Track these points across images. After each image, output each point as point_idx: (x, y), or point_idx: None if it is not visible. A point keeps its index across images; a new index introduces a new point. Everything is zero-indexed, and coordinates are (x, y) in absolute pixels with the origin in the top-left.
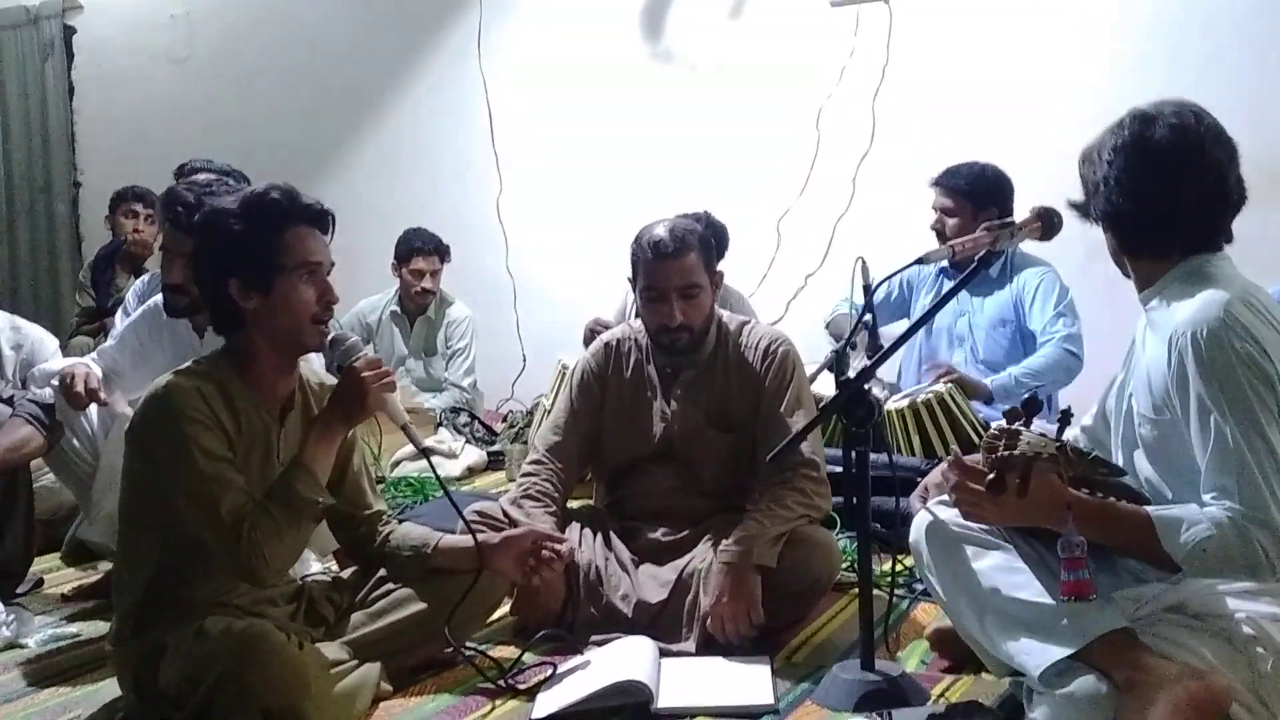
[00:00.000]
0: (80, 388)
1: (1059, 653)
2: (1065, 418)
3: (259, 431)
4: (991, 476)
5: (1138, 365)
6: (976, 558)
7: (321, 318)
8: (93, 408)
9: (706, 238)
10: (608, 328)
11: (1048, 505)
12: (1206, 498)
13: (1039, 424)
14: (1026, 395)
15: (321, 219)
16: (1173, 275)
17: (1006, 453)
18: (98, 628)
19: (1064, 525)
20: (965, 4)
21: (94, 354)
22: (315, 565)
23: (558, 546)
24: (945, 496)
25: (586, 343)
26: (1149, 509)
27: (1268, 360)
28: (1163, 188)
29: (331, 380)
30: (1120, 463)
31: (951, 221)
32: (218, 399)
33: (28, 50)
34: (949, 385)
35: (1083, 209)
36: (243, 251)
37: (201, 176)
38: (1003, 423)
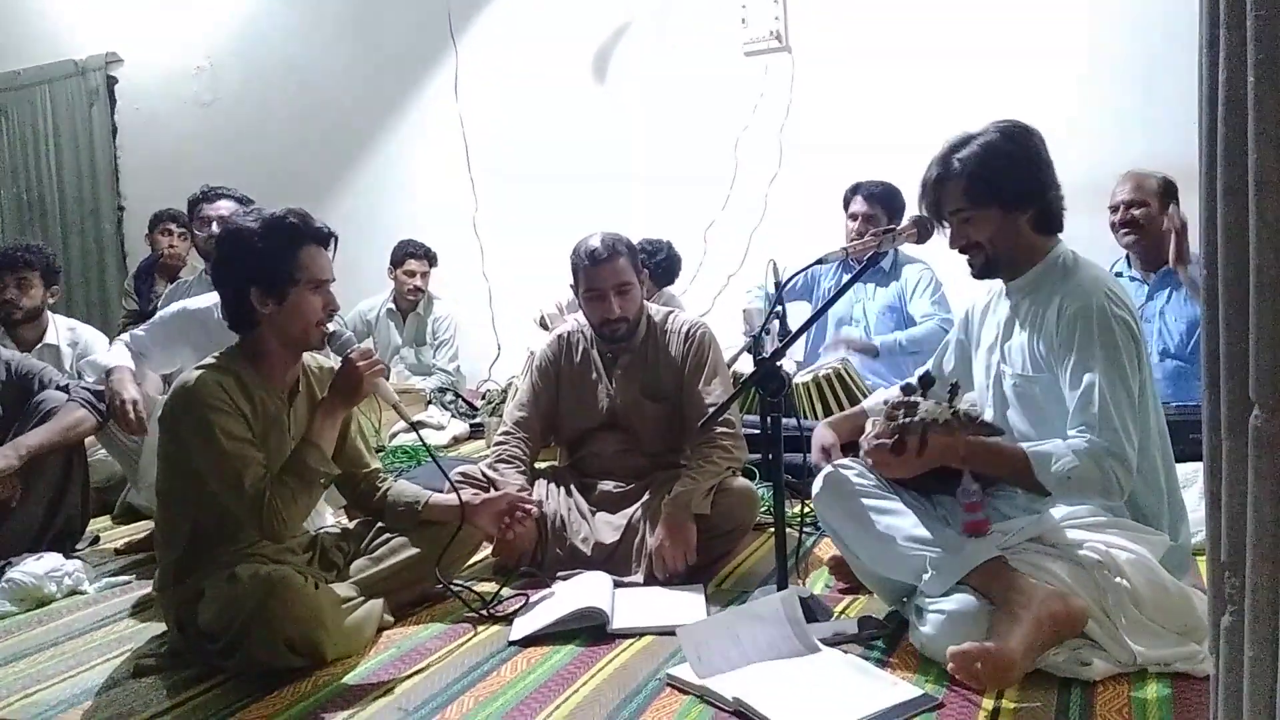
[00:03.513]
0: (131, 416)
1: (947, 583)
2: (955, 389)
3: (272, 414)
4: (893, 441)
5: (1010, 339)
6: (874, 510)
7: (325, 323)
8: (131, 383)
9: (631, 243)
10: (551, 316)
11: (945, 457)
12: (1071, 432)
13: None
14: (921, 373)
15: (328, 240)
16: (1046, 261)
17: (907, 419)
18: (146, 576)
19: (956, 465)
20: (853, 54)
21: (127, 336)
22: (329, 518)
23: (528, 507)
24: (845, 459)
25: (542, 325)
26: (1024, 445)
27: (1133, 319)
28: (1050, 172)
29: (329, 363)
30: (991, 418)
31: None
32: (235, 388)
33: (77, 97)
34: (844, 361)
35: (1009, 199)
36: (263, 265)
37: (227, 203)
38: (899, 395)
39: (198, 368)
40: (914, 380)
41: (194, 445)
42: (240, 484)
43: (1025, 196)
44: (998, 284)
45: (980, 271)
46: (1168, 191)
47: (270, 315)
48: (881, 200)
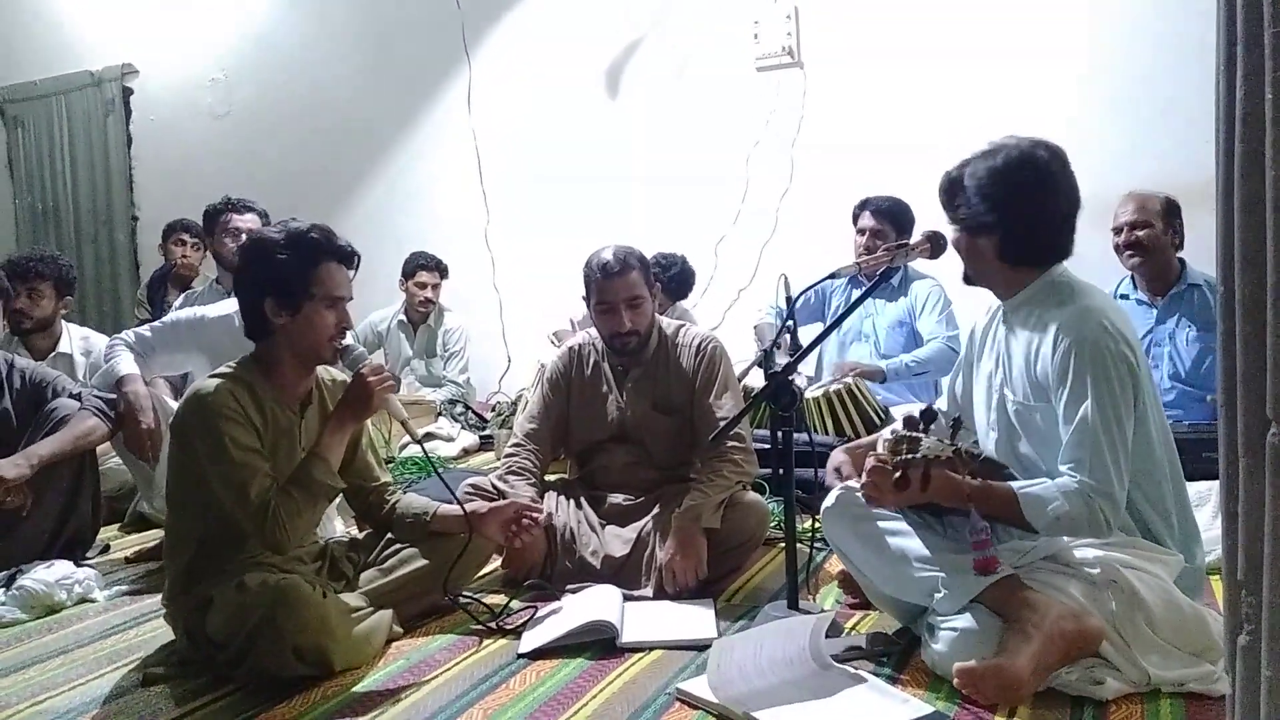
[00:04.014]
0: (146, 446)
1: (960, 601)
2: (957, 424)
3: (283, 425)
4: (897, 476)
5: (1010, 364)
6: (886, 531)
7: (337, 339)
8: (148, 403)
9: (643, 257)
10: (563, 334)
11: (946, 493)
12: (1062, 468)
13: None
14: (924, 409)
15: (350, 258)
16: (1039, 284)
17: (909, 455)
18: (155, 585)
19: (959, 504)
20: (864, 69)
21: (130, 335)
22: (339, 527)
23: (535, 515)
24: (852, 482)
25: (552, 343)
26: (1015, 487)
27: (1132, 352)
28: (1046, 202)
29: (343, 376)
30: (994, 445)
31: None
32: (247, 398)
33: (92, 107)
34: (854, 377)
35: (968, 222)
36: (281, 277)
37: (253, 215)
38: (903, 429)
39: (212, 376)
40: (917, 414)
41: (203, 453)
42: (246, 494)
43: (987, 220)
44: (997, 303)
45: (964, 278)
46: (1171, 211)
47: (283, 327)
48: (890, 216)
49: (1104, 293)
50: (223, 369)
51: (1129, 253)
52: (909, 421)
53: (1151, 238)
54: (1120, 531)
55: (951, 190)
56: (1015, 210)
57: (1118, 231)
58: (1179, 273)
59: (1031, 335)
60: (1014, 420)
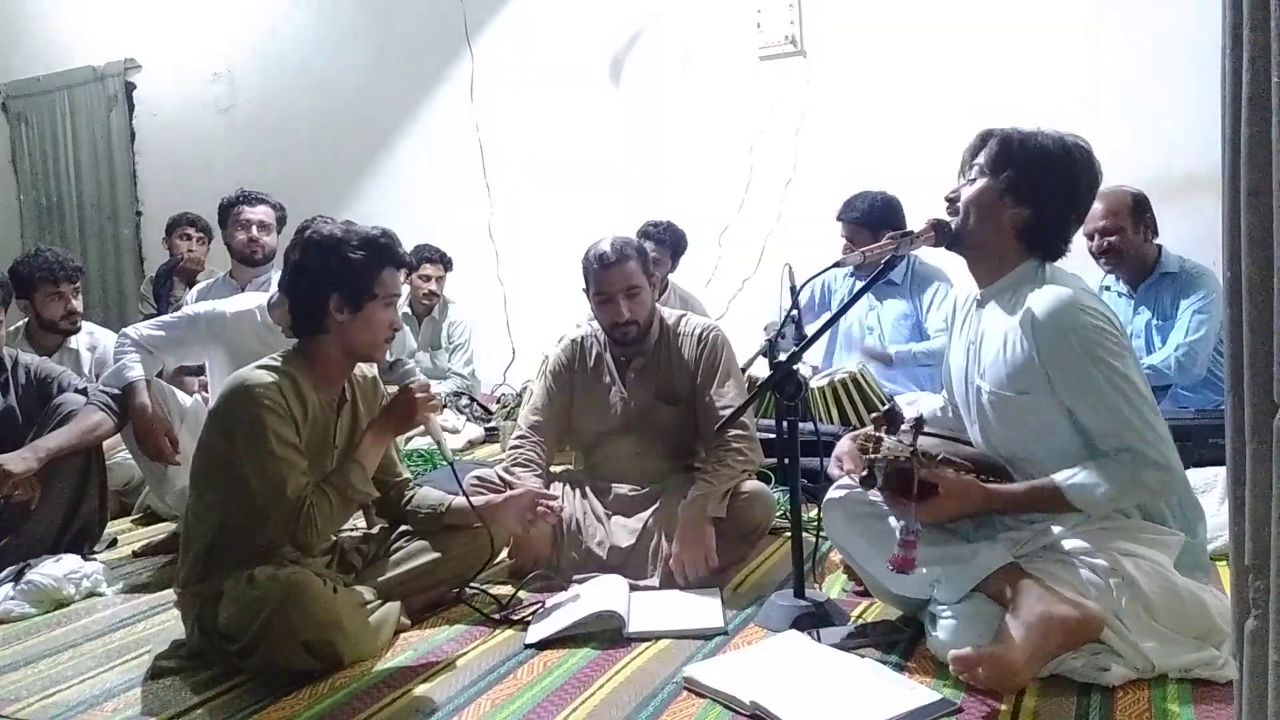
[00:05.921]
0: (159, 447)
1: (961, 590)
2: (919, 423)
3: (320, 421)
4: (864, 474)
5: (983, 352)
6: (886, 529)
7: (390, 340)
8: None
9: (641, 246)
10: None
11: (962, 504)
12: (1109, 449)
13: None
14: (887, 408)
15: (406, 265)
16: (1021, 270)
17: (872, 455)
18: (163, 578)
19: (979, 508)
20: (867, 59)
21: (135, 334)
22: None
23: (551, 502)
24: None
25: None
26: (1058, 480)
27: (1112, 325)
28: (1067, 201)
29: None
30: (976, 436)
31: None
32: (290, 392)
33: (95, 103)
34: (860, 366)
35: (1015, 184)
36: (351, 275)
37: (265, 208)
38: (871, 429)
39: (257, 366)
40: (881, 414)
41: (243, 443)
42: (283, 489)
43: (1028, 192)
44: (971, 292)
45: (949, 240)
46: (1139, 208)
47: (342, 324)
48: (865, 222)
49: (1078, 278)
50: (267, 360)
51: (1103, 259)
52: (876, 421)
53: (1123, 242)
54: (1118, 514)
55: (1008, 147)
56: (1060, 194)
57: (1090, 237)
58: (1155, 262)
59: (1006, 321)
60: (989, 410)
